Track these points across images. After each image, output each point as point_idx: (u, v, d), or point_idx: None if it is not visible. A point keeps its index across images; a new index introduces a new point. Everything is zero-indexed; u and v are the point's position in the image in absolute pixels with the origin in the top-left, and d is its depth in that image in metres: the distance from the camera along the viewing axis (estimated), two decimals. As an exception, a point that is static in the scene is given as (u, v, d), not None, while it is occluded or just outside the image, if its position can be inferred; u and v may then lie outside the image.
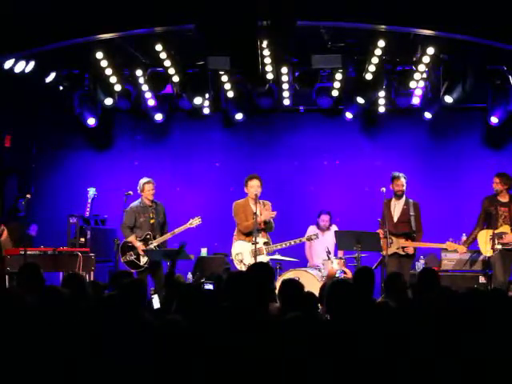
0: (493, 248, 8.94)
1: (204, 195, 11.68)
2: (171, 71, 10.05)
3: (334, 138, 11.69)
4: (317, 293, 6.12)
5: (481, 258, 9.47)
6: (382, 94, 10.55)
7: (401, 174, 9.39)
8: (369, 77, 9.83)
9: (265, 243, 9.01)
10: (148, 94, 10.77)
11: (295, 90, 10.75)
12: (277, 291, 5.75)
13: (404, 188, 9.35)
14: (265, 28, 8.52)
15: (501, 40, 8.57)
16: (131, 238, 9.45)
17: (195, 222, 9.44)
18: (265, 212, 9.05)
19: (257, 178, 9.12)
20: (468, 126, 11.36)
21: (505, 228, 9.04)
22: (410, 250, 9.14)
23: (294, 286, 5.31)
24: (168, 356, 3.70)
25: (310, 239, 9.27)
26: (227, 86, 10.54)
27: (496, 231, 9.00)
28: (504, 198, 9.15)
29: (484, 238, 9.12)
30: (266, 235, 9.15)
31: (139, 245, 9.41)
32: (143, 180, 9.64)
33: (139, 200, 9.64)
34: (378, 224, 9.27)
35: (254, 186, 9.05)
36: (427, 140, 11.45)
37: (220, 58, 9.43)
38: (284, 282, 5.46)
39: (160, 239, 9.51)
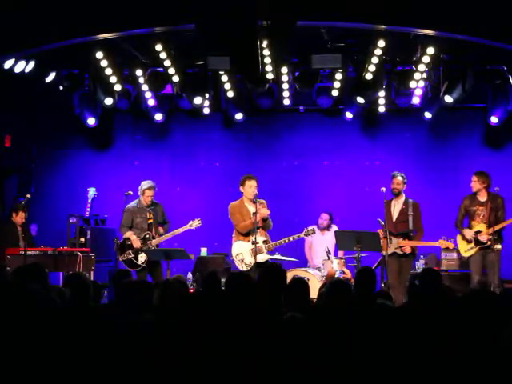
0: (475, 247, 9.05)
1: (204, 195, 11.69)
2: (171, 71, 10.05)
3: (334, 138, 11.70)
4: (316, 293, 6.13)
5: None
6: (382, 93, 10.55)
7: (398, 173, 9.39)
8: (369, 77, 9.83)
9: (264, 241, 9.00)
10: (148, 94, 10.77)
11: (295, 90, 10.75)
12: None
13: (400, 187, 9.33)
14: (265, 28, 8.52)
15: (501, 40, 8.57)
16: (128, 234, 9.42)
17: (195, 223, 9.42)
18: (262, 209, 9.04)
19: (255, 178, 9.13)
20: (468, 126, 11.37)
21: (481, 227, 9.08)
22: (407, 250, 9.14)
23: (302, 286, 5.30)
24: (166, 356, 3.70)
25: (307, 234, 9.25)
26: (227, 86, 10.54)
27: (473, 230, 9.08)
28: (483, 197, 9.19)
29: (462, 239, 9.20)
30: (265, 233, 9.14)
31: (134, 238, 9.38)
32: (145, 185, 9.52)
33: (137, 200, 9.60)
34: (377, 224, 9.27)
35: (252, 187, 9.04)
36: (427, 140, 11.46)
37: (220, 58, 9.43)
38: (294, 281, 5.45)
39: (159, 239, 9.49)
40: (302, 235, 9.25)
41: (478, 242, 9.08)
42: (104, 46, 9.73)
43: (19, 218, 9.71)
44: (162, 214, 9.73)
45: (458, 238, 9.31)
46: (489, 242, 9.00)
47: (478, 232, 9.09)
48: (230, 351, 3.74)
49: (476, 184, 9.20)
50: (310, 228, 9.36)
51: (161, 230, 9.62)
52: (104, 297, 8.71)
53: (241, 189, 9.18)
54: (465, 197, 9.38)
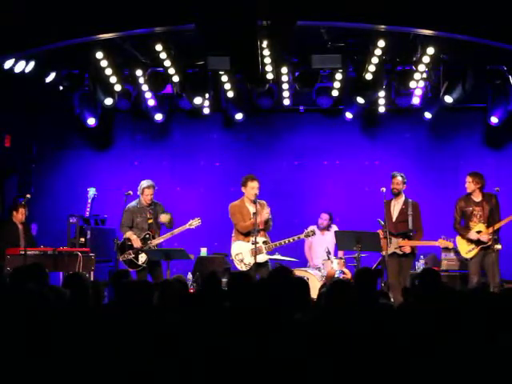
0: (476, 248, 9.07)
1: (204, 195, 11.69)
2: (171, 71, 10.05)
3: (334, 138, 11.70)
4: (316, 293, 6.13)
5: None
6: (382, 94, 10.55)
7: (398, 173, 9.40)
8: (369, 77, 9.83)
9: (264, 242, 9.01)
10: (148, 94, 10.77)
11: (295, 90, 10.75)
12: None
13: (400, 187, 9.35)
14: (265, 28, 8.52)
15: (501, 40, 8.57)
16: (129, 234, 9.42)
17: (195, 223, 9.41)
18: (262, 212, 9.03)
19: (257, 179, 9.14)
20: (468, 125, 11.37)
21: (480, 227, 9.10)
22: (407, 250, 9.15)
23: (302, 286, 5.30)
24: (168, 356, 3.70)
25: (307, 235, 9.27)
26: (227, 86, 10.54)
27: (473, 230, 9.09)
28: (477, 198, 9.21)
29: (463, 240, 9.20)
30: (265, 234, 9.15)
31: (134, 238, 9.38)
32: (144, 184, 9.55)
33: (137, 200, 9.60)
34: (377, 224, 9.28)
35: (254, 188, 9.05)
36: (427, 140, 11.46)
37: (220, 58, 9.42)
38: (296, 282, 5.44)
39: (159, 239, 9.49)
40: (302, 236, 9.26)
41: (479, 243, 9.09)
42: (104, 45, 9.72)
43: (20, 214, 9.68)
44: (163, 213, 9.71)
45: (458, 239, 9.30)
46: (489, 242, 9.02)
47: (478, 232, 9.10)
48: (230, 351, 3.74)
49: (470, 185, 9.24)
50: (310, 229, 9.37)
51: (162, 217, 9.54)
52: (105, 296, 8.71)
53: (242, 189, 9.19)
54: (459, 198, 9.40)
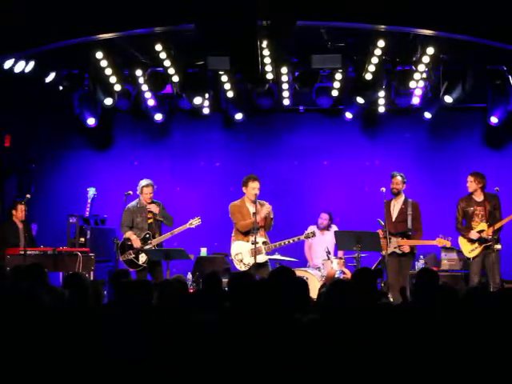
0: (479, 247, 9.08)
1: (204, 195, 11.69)
2: (171, 71, 10.05)
3: (334, 138, 11.70)
4: (316, 293, 6.13)
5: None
6: (381, 93, 10.56)
7: (398, 173, 9.41)
8: (368, 77, 9.83)
9: (263, 243, 9.01)
10: (148, 94, 10.77)
11: (295, 90, 10.76)
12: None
13: (400, 187, 9.36)
14: (265, 28, 8.53)
15: (501, 40, 8.57)
16: (128, 234, 9.43)
17: (195, 222, 9.42)
18: (264, 209, 9.03)
19: (258, 180, 9.14)
20: (468, 125, 11.37)
21: (482, 226, 9.11)
22: (406, 249, 9.15)
23: (302, 286, 5.29)
24: (167, 356, 3.70)
25: (307, 237, 9.26)
26: (227, 86, 10.54)
27: (475, 230, 9.09)
28: (479, 197, 9.23)
29: (465, 240, 9.20)
30: (265, 234, 9.15)
31: (134, 238, 9.38)
32: (143, 182, 9.57)
33: (137, 200, 9.61)
34: (377, 224, 9.28)
35: (255, 188, 9.05)
36: (427, 140, 11.46)
37: (220, 58, 9.43)
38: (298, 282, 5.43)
39: (159, 238, 9.49)
40: (301, 237, 9.25)
41: (482, 241, 9.08)
42: (104, 46, 9.73)
43: (19, 212, 9.69)
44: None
45: (460, 239, 9.30)
46: (490, 242, 9.02)
47: (481, 231, 9.10)
48: (230, 351, 3.74)
49: (472, 184, 9.25)
50: (310, 231, 9.37)
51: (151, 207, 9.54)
52: (104, 296, 8.72)
53: (243, 189, 9.19)
54: (460, 198, 9.41)
